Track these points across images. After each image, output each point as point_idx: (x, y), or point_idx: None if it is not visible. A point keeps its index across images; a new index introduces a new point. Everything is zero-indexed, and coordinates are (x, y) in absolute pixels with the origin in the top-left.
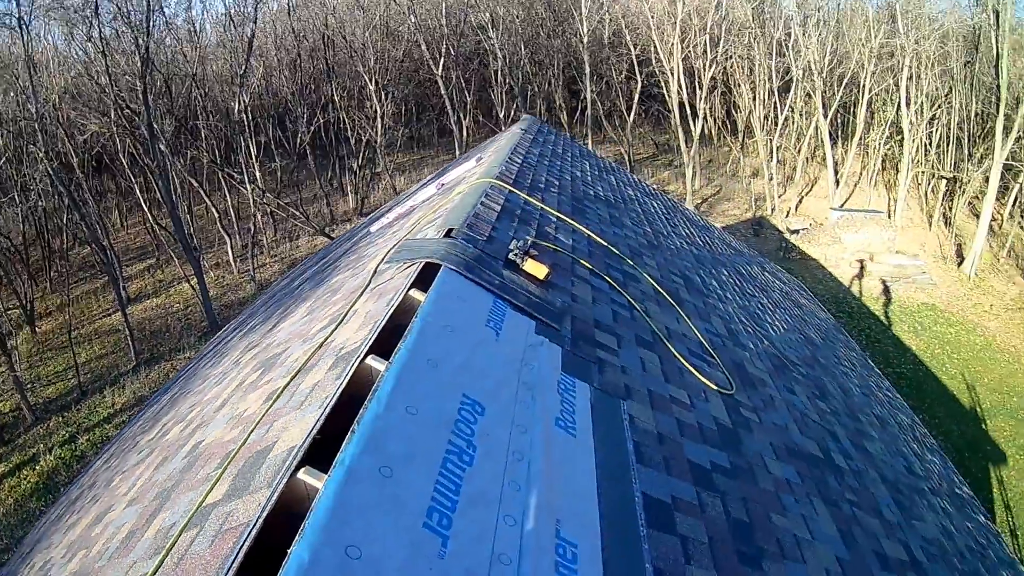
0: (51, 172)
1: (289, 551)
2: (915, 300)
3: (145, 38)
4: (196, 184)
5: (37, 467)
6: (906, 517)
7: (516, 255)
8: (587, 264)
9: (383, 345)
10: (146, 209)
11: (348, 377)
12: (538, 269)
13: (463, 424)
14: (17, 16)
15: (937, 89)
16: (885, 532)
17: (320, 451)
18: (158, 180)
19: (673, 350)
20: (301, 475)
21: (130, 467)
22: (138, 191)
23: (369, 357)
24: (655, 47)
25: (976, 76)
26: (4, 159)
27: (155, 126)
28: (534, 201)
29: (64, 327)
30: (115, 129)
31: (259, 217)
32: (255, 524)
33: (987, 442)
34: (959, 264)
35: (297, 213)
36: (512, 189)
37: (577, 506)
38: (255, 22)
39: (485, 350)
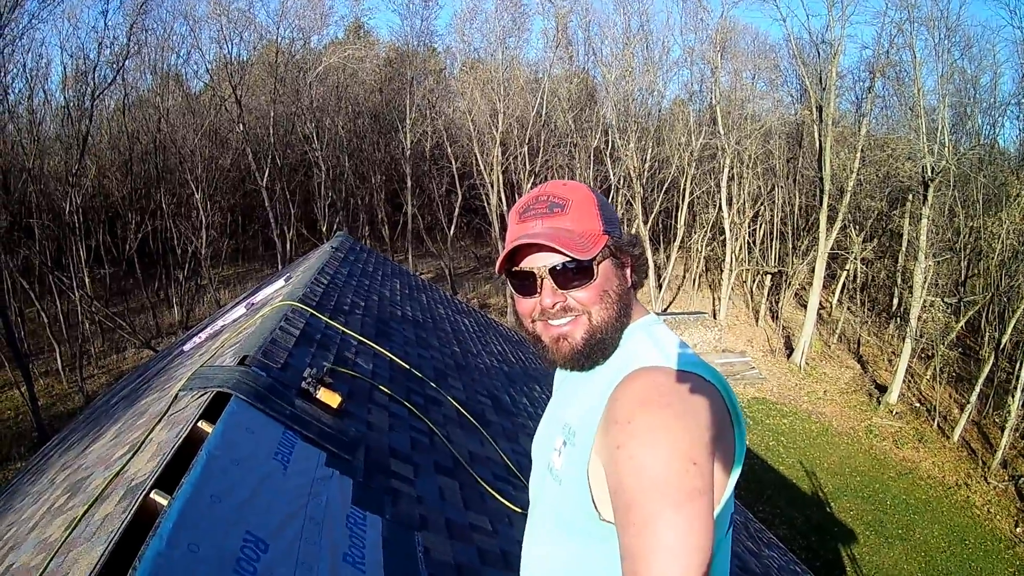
0: None
1: None
2: (745, 396)
3: None
4: (27, 286)
5: None
6: None
7: (309, 383)
8: (386, 390)
9: (169, 478)
10: None
11: (133, 511)
12: (331, 398)
13: (245, 562)
14: None
15: (760, 187)
16: None
17: None
18: None
19: (475, 475)
20: None
21: None
22: None
23: (153, 491)
24: (476, 160)
25: (799, 171)
26: None
27: None
28: (335, 325)
29: None
30: None
31: (87, 326)
32: None
33: (834, 524)
34: (788, 356)
35: (124, 324)
36: (314, 312)
37: None
38: (91, 119)
39: (271, 484)
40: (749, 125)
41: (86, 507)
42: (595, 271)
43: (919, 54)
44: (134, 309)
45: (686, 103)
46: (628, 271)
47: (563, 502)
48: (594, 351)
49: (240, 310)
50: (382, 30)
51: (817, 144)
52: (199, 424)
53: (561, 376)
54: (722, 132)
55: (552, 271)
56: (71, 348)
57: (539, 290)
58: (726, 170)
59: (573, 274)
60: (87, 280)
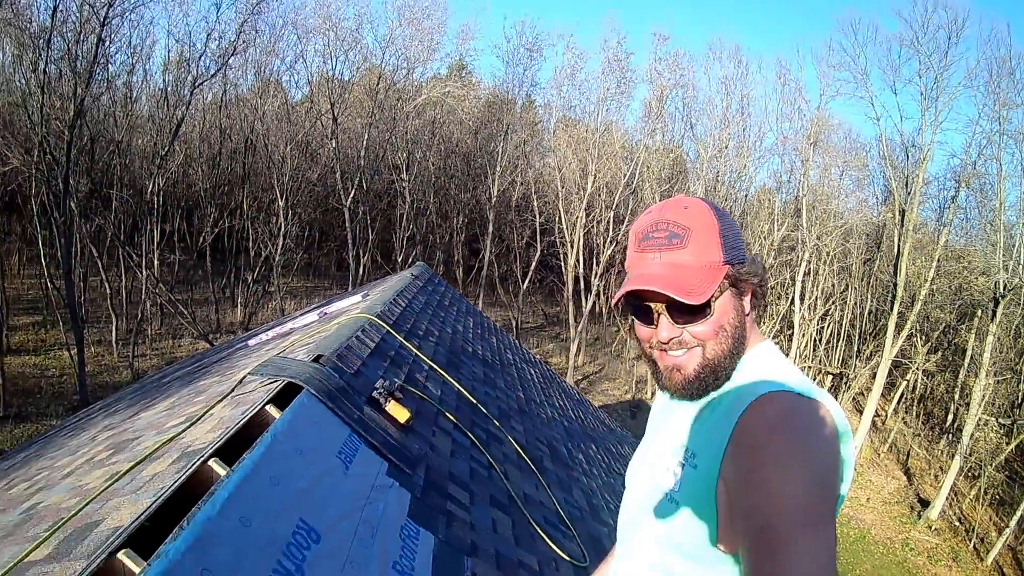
0: None
1: None
2: None
3: (84, 88)
4: (96, 254)
5: None
6: None
7: (380, 394)
8: (452, 417)
9: (230, 451)
10: (44, 264)
11: (188, 473)
12: (400, 412)
13: (295, 548)
14: None
15: (833, 286)
16: None
17: (146, 540)
18: (60, 237)
19: (528, 515)
20: (120, 555)
21: None
22: (40, 243)
23: (212, 460)
24: (560, 217)
25: (874, 274)
26: None
27: (71, 181)
28: (409, 346)
29: None
30: (35, 172)
31: (148, 306)
32: None
33: None
34: None
35: (185, 312)
36: (390, 330)
37: None
38: (188, 106)
39: (331, 480)
40: (831, 222)
41: (134, 463)
42: (711, 308)
43: (1005, 167)
44: (197, 300)
45: (772, 192)
46: (748, 298)
47: (678, 524)
48: (705, 382)
49: (312, 317)
50: (484, 73)
51: (895, 249)
52: (267, 408)
53: (664, 401)
54: (805, 226)
55: (668, 308)
56: (128, 323)
57: (656, 322)
58: (803, 264)
59: (689, 312)
60: (156, 262)
